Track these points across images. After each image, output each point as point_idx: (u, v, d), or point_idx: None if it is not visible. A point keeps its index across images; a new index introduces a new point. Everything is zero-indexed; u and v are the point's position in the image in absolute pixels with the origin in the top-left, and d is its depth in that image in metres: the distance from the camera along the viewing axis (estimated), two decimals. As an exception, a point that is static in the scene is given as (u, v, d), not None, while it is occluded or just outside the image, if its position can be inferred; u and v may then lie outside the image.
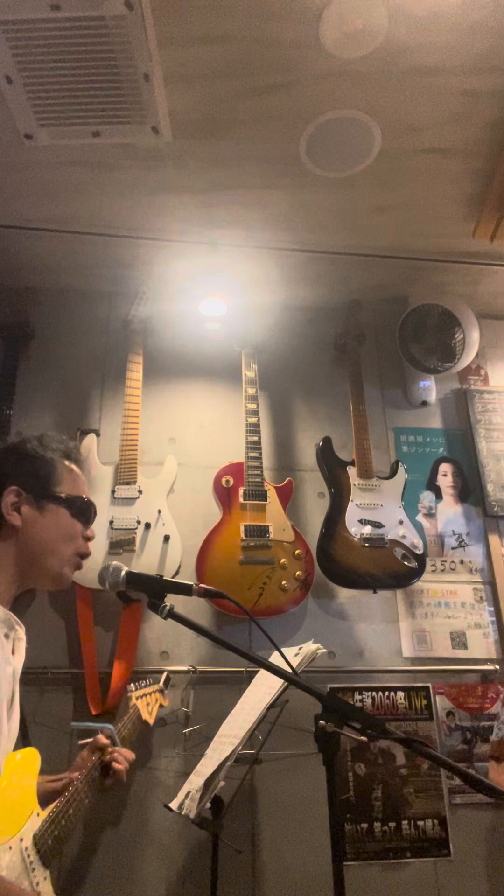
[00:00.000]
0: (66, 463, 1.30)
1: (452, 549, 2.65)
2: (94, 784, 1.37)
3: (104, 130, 2.02)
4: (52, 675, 2.19)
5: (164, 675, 2.05)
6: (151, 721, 1.85)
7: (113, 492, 2.36)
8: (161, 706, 1.97)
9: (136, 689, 1.86)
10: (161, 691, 1.98)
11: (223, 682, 2.25)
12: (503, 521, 2.72)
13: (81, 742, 1.47)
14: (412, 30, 1.76)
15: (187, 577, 2.32)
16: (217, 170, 2.22)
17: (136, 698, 1.82)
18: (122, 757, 1.44)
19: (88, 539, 1.30)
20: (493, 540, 2.67)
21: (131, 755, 1.46)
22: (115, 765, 1.41)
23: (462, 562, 2.63)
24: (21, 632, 1.24)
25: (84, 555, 1.29)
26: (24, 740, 1.28)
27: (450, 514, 2.71)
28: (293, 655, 1.85)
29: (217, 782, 1.63)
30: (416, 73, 1.88)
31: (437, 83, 1.92)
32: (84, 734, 1.51)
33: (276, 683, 1.78)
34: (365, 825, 2.16)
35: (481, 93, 1.95)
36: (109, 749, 1.43)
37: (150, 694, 1.91)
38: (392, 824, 2.17)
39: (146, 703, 1.85)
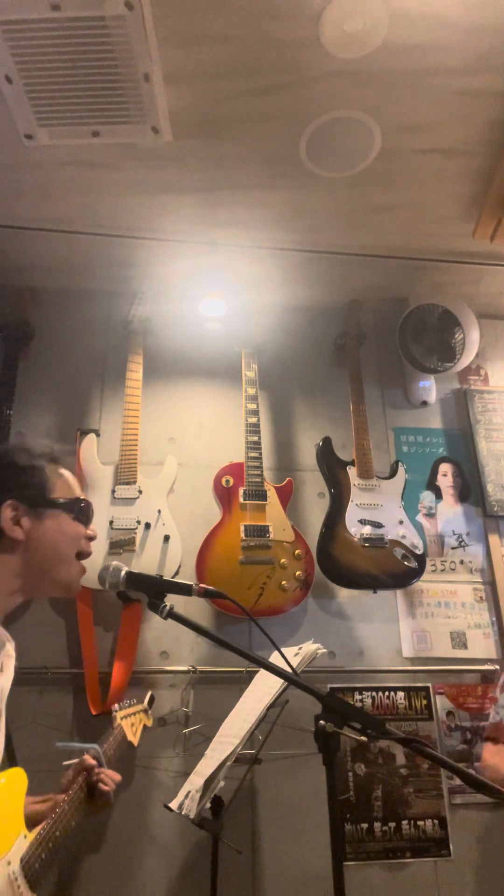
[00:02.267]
0: (53, 467, 1.29)
1: (452, 549, 2.64)
2: (80, 806, 1.32)
3: (104, 130, 2.02)
4: (52, 676, 2.19)
5: (149, 694, 2.01)
6: (136, 741, 1.79)
7: (113, 492, 2.36)
8: (145, 726, 1.91)
9: (121, 709, 1.81)
10: (145, 711, 1.94)
11: (223, 682, 2.25)
12: (503, 521, 2.72)
13: (66, 763, 1.43)
14: (412, 30, 1.76)
15: (187, 577, 2.32)
16: (217, 170, 2.22)
17: (121, 718, 1.77)
18: (109, 778, 1.38)
19: (91, 538, 1.31)
20: (493, 540, 2.67)
21: (117, 776, 1.41)
22: (101, 786, 1.36)
23: (462, 562, 2.63)
24: (10, 648, 1.22)
25: (86, 554, 1.30)
26: (10, 761, 1.26)
27: (450, 514, 2.71)
28: (293, 655, 1.85)
29: (217, 782, 1.63)
30: (416, 73, 1.88)
31: (437, 83, 1.92)
32: (70, 754, 1.46)
33: (276, 683, 1.78)
34: (365, 825, 2.16)
35: (481, 93, 1.95)
36: (96, 770, 1.38)
37: (134, 714, 1.85)
38: (392, 824, 2.17)
39: (130, 724, 1.80)
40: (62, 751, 1.50)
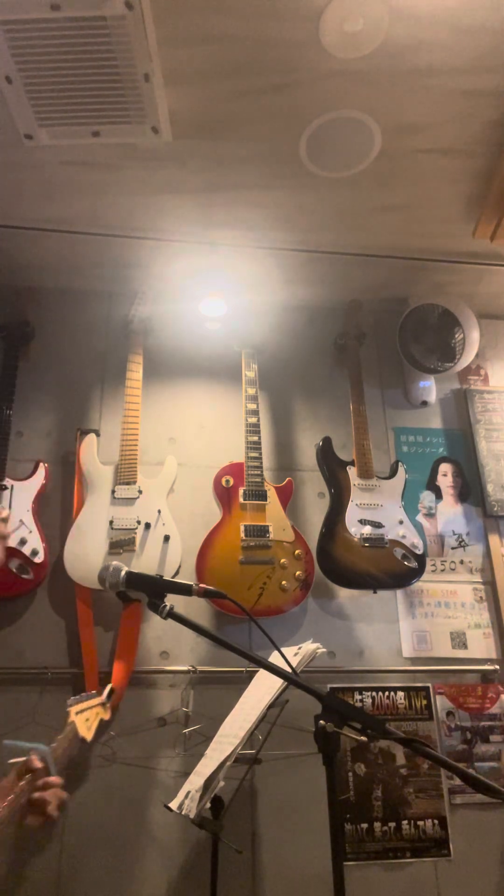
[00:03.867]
0: None
1: (452, 549, 2.64)
2: (18, 813, 1.21)
3: (104, 130, 2.02)
4: (52, 676, 2.18)
5: (108, 687, 1.95)
6: (89, 737, 1.71)
7: (113, 492, 2.36)
8: (102, 720, 1.83)
9: (76, 703, 1.71)
10: (103, 704, 1.86)
11: (223, 682, 2.25)
12: (503, 521, 2.72)
13: (11, 762, 1.31)
14: (412, 30, 1.76)
15: (187, 577, 2.32)
16: (217, 170, 2.22)
17: (76, 713, 1.68)
18: (54, 796, 1.26)
19: (4, 520, 1.35)
20: (493, 540, 2.67)
21: (64, 795, 1.29)
22: (40, 797, 1.24)
23: (462, 562, 2.63)
24: None
25: (3, 536, 1.34)
26: None
27: (450, 514, 2.71)
28: (293, 655, 1.85)
29: (217, 782, 1.63)
30: (416, 73, 1.88)
31: (437, 83, 1.92)
32: (14, 753, 1.33)
33: (276, 683, 1.78)
34: (365, 825, 2.16)
35: (481, 93, 1.95)
36: (40, 782, 1.27)
37: (90, 708, 1.78)
38: (392, 824, 2.17)
39: (85, 719, 1.72)
40: (9, 749, 1.38)
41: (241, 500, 2.43)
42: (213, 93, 1.93)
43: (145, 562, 2.26)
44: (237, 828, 2.10)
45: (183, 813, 1.68)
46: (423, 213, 2.44)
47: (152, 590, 1.29)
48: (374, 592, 2.44)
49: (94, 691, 1.88)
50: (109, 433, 2.57)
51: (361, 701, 2.32)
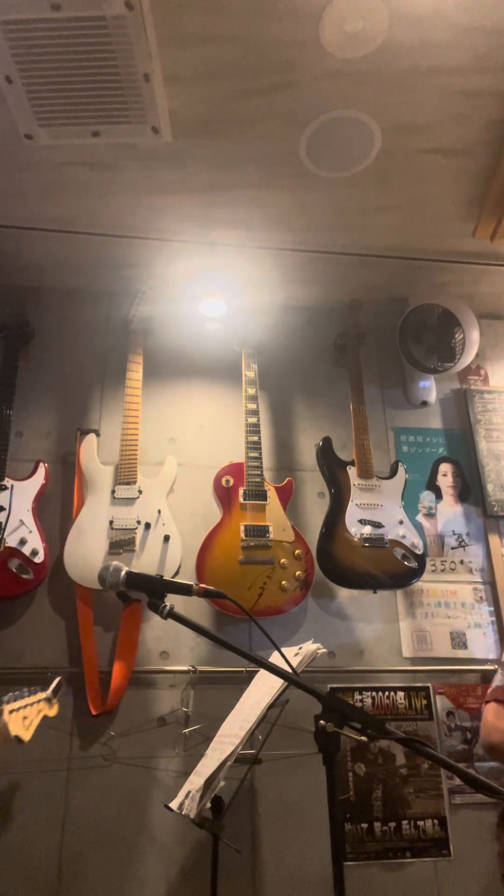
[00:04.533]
0: None
1: (452, 549, 2.64)
2: None
3: (104, 130, 2.02)
4: (52, 676, 2.17)
5: (57, 680, 1.74)
6: (27, 737, 1.53)
7: (113, 492, 2.36)
8: (46, 717, 1.65)
9: (11, 701, 1.54)
10: (48, 700, 1.68)
11: (223, 682, 2.25)
12: (503, 521, 2.72)
13: None
14: (412, 30, 1.76)
15: (187, 577, 2.32)
16: (217, 170, 2.22)
17: (9, 712, 1.51)
18: None
19: None
20: (493, 540, 2.67)
21: None
22: None
23: (462, 562, 2.63)
24: None
25: None
26: None
27: (450, 514, 2.71)
28: (293, 655, 1.85)
29: (217, 782, 1.63)
30: (416, 73, 1.88)
31: (437, 83, 1.92)
32: None
33: (276, 683, 1.78)
34: (365, 825, 2.16)
35: (481, 93, 1.95)
36: None
37: (30, 705, 1.61)
38: (392, 824, 2.17)
39: (23, 717, 1.55)
40: None
41: (241, 500, 2.43)
42: (213, 93, 1.93)
43: (145, 562, 2.26)
44: (237, 828, 2.10)
45: (183, 813, 1.68)
46: (423, 213, 2.44)
47: (152, 590, 1.29)
48: (374, 592, 2.44)
49: (36, 687, 1.70)
50: (109, 433, 2.57)
51: (361, 701, 2.32)
